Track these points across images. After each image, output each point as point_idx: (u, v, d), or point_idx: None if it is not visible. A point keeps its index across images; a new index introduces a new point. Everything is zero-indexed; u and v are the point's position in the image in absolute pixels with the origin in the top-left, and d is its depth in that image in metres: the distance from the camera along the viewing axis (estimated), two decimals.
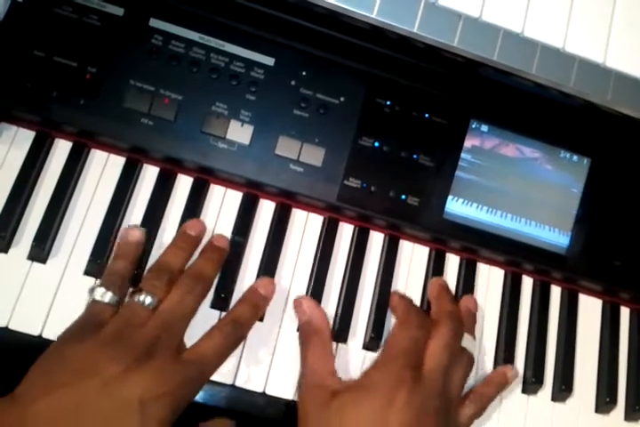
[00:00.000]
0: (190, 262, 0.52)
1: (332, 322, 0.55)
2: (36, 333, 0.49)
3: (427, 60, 0.59)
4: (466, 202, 0.59)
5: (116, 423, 0.42)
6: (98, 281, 0.50)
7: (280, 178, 0.56)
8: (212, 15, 0.56)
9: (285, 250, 0.56)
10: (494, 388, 0.56)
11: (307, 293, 0.56)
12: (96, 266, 0.51)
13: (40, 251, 0.51)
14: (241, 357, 0.52)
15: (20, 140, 0.54)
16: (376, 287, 0.57)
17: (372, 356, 0.55)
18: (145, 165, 0.56)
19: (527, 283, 0.62)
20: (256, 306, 0.52)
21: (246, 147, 0.55)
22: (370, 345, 0.55)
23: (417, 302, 0.58)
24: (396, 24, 0.53)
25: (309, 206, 0.58)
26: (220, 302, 0.53)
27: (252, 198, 0.57)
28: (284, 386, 0.53)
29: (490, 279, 0.62)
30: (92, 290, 0.48)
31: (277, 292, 0.54)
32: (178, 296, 0.48)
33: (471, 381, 0.55)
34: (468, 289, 0.60)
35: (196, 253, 0.53)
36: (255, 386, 0.52)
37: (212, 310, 0.53)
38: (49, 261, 0.51)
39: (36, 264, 0.51)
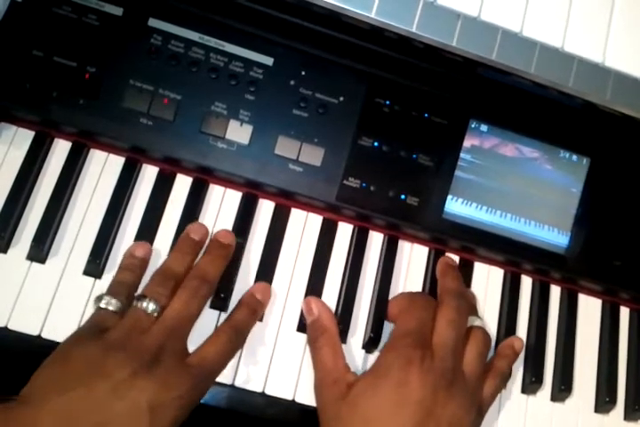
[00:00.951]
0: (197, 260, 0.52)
1: None
2: (35, 333, 0.49)
3: (426, 59, 0.59)
4: (465, 202, 0.59)
5: (127, 426, 0.43)
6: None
7: (279, 178, 0.56)
8: (211, 15, 0.56)
9: (284, 250, 0.56)
10: (506, 362, 0.56)
11: (306, 292, 0.56)
12: (95, 266, 0.51)
13: (39, 251, 0.51)
14: (240, 357, 0.52)
15: (20, 140, 0.54)
16: (375, 287, 0.57)
17: (371, 356, 0.55)
18: (144, 165, 0.56)
19: (526, 283, 0.62)
20: (254, 310, 0.52)
21: (245, 147, 0.55)
22: (369, 345, 0.55)
23: None
24: (395, 24, 0.53)
25: (309, 206, 0.58)
26: (220, 302, 0.53)
27: (252, 198, 0.57)
28: (283, 386, 0.53)
29: (489, 279, 0.61)
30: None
31: (277, 292, 0.55)
32: (182, 301, 0.49)
33: None
34: None
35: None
36: (255, 386, 0.52)
37: (212, 310, 0.53)
38: (48, 262, 0.51)
39: (35, 264, 0.51)
